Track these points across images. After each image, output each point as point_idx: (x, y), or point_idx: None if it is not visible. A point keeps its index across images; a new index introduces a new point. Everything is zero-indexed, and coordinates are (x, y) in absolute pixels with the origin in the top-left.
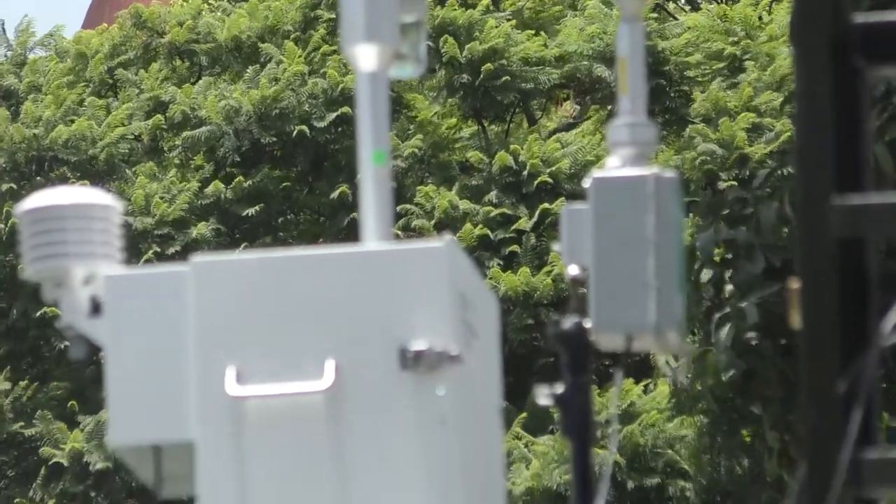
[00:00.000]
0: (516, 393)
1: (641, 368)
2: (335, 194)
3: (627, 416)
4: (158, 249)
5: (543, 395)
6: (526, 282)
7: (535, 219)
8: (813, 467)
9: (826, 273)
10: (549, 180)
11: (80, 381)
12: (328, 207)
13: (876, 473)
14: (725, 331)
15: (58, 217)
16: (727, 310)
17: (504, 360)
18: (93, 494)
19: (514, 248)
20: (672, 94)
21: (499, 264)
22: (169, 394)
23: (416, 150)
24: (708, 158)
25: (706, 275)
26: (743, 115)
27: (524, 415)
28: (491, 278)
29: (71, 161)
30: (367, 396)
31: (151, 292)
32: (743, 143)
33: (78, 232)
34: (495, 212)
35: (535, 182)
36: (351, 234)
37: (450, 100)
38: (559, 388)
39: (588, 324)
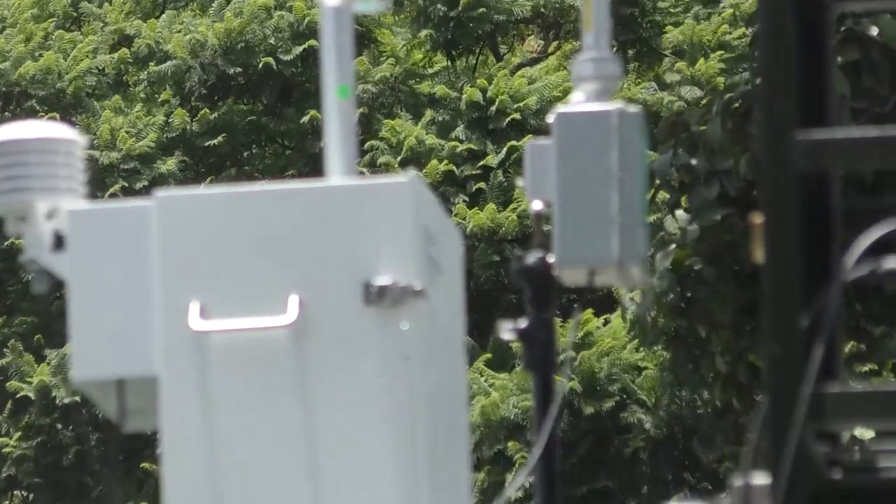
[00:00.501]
0: (482, 330)
1: (605, 303)
2: (305, 119)
3: (585, 346)
4: (126, 184)
5: (507, 330)
6: (492, 218)
7: (502, 155)
8: (775, 400)
9: (789, 207)
10: (518, 117)
11: (46, 315)
12: (297, 135)
13: (837, 407)
14: (669, 250)
15: (21, 151)
16: (672, 233)
17: (470, 297)
18: (59, 427)
19: (481, 184)
20: (644, 25)
21: (465, 201)
22: (132, 328)
23: (388, 76)
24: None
25: (661, 197)
26: (717, 53)
27: (489, 355)
28: (457, 214)
29: (39, 95)
30: (330, 331)
31: (115, 227)
32: (718, 82)
33: (41, 166)
34: (462, 147)
35: (505, 120)
36: (321, 162)
37: (422, 31)
38: (523, 323)
39: (551, 259)
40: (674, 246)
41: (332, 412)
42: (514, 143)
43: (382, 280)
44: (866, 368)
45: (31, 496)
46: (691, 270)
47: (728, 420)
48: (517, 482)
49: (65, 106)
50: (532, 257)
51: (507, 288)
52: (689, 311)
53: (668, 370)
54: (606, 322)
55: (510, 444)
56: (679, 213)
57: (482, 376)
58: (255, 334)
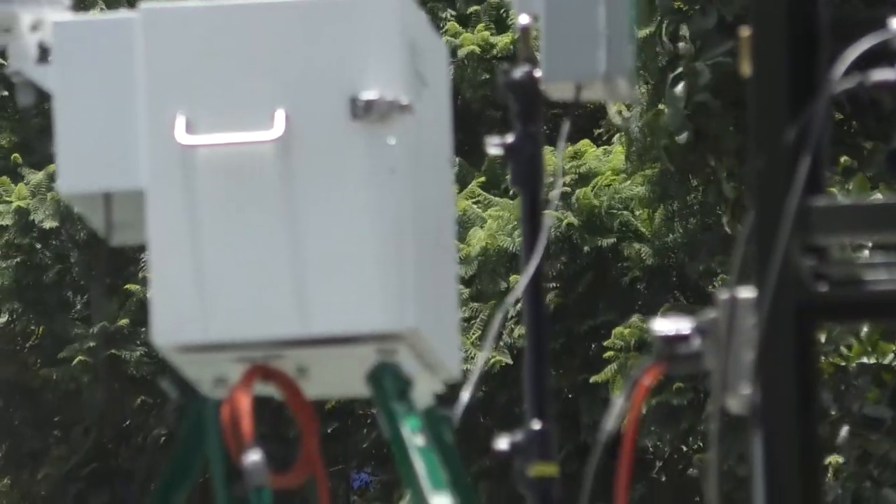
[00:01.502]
0: (473, 151)
1: (593, 119)
2: None
3: (583, 179)
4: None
5: (493, 145)
6: (483, 38)
7: None
8: (761, 214)
9: (776, 19)
10: None
11: (24, 133)
12: None
13: (823, 220)
14: (679, 90)
15: None
16: (680, 69)
17: (461, 118)
18: (38, 247)
19: (476, 8)
20: None
21: (452, 15)
22: (119, 142)
23: None
24: None
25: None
26: None
27: (482, 178)
28: (447, 32)
29: None
30: (317, 146)
31: (101, 40)
32: None
33: None
34: None
35: None
36: None
37: None
38: (509, 138)
39: (538, 73)
40: (682, 83)
41: (318, 226)
42: None
43: (369, 94)
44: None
45: (14, 315)
46: (701, 106)
47: (715, 233)
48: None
49: None
50: (519, 71)
51: (497, 105)
52: (700, 146)
53: (655, 184)
54: (605, 152)
55: (512, 277)
56: (682, 45)
57: (477, 204)
58: (241, 149)
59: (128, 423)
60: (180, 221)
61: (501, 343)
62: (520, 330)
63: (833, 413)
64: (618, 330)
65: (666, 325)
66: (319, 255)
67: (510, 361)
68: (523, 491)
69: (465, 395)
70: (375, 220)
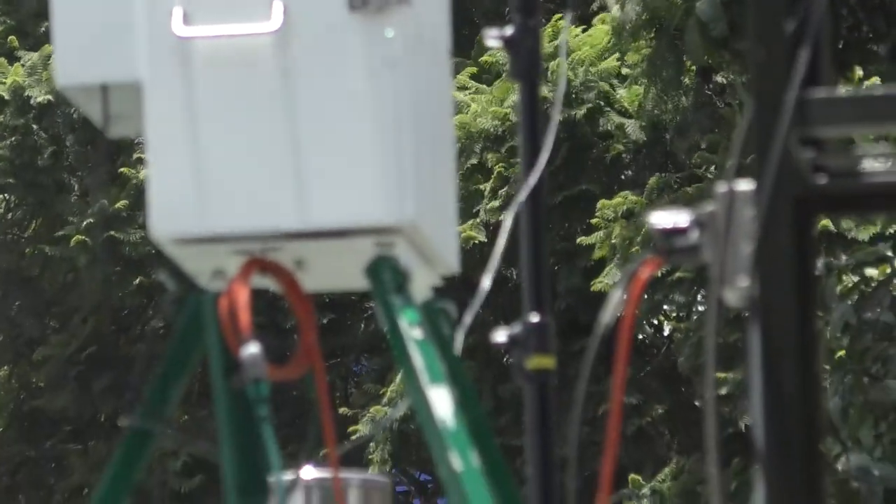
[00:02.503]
0: (468, 45)
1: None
2: None
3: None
4: None
5: (492, 37)
6: None
7: None
8: (760, 106)
9: None
10: None
11: (18, 16)
12: None
13: (822, 112)
14: None
15: None
16: None
17: (459, 8)
18: (34, 128)
19: None
20: None
21: None
22: (116, 33)
23: None
24: None
25: None
26: None
27: (475, 69)
28: None
29: None
30: (315, 38)
31: None
32: None
33: None
34: None
35: None
36: None
37: None
38: (508, 30)
39: None
40: None
41: (316, 118)
42: None
43: None
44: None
45: (12, 197)
46: None
47: (706, 111)
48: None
49: None
50: None
51: None
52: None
53: (646, 60)
54: (585, 30)
55: (489, 155)
56: None
57: (464, 91)
58: (239, 40)
59: (126, 311)
60: (177, 113)
61: (478, 220)
62: (493, 204)
63: (853, 323)
64: (603, 202)
65: (663, 218)
66: (317, 148)
67: (484, 239)
68: (521, 383)
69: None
70: (374, 113)
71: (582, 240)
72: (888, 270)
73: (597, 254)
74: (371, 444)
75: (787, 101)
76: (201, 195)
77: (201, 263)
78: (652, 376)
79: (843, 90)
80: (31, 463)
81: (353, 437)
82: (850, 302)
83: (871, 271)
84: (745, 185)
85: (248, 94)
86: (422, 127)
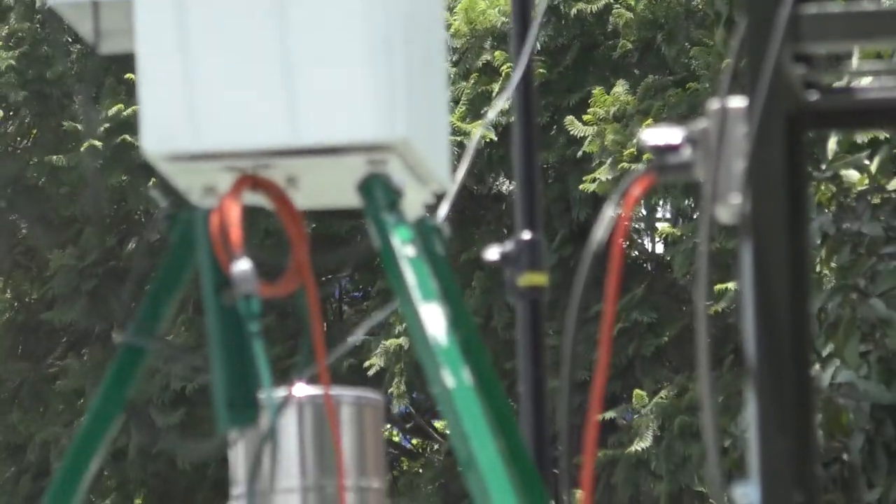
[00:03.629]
0: None
1: None
2: None
3: None
4: None
5: None
6: None
7: None
8: (753, 22)
9: None
10: None
11: None
12: None
13: (814, 28)
14: None
15: None
16: None
17: None
18: (42, 34)
19: None
20: None
21: None
22: None
23: None
24: None
25: None
26: None
27: None
28: None
29: None
30: None
31: None
32: None
33: None
34: None
35: None
36: None
37: None
38: None
39: None
40: None
41: (308, 35)
42: None
43: None
44: None
45: (22, 111)
46: None
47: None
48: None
49: None
50: None
51: None
52: None
53: None
54: None
55: (496, 53)
56: None
57: None
58: None
59: (137, 216)
60: (168, 29)
61: (487, 122)
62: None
63: (830, 233)
64: (596, 97)
65: (656, 136)
66: (310, 65)
67: (494, 138)
68: (513, 300)
69: (460, 173)
70: (365, 30)
71: (588, 148)
72: (866, 181)
73: (588, 148)
74: (387, 377)
75: (780, 18)
76: (193, 112)
77: (193, 180)
78: (665, 295)
79: (834, 6)
80: (29, 376)
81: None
82: (827, 212)
83: (849, 174)
84: (737, 102)
85: (240, 12)
86: (413, 44)
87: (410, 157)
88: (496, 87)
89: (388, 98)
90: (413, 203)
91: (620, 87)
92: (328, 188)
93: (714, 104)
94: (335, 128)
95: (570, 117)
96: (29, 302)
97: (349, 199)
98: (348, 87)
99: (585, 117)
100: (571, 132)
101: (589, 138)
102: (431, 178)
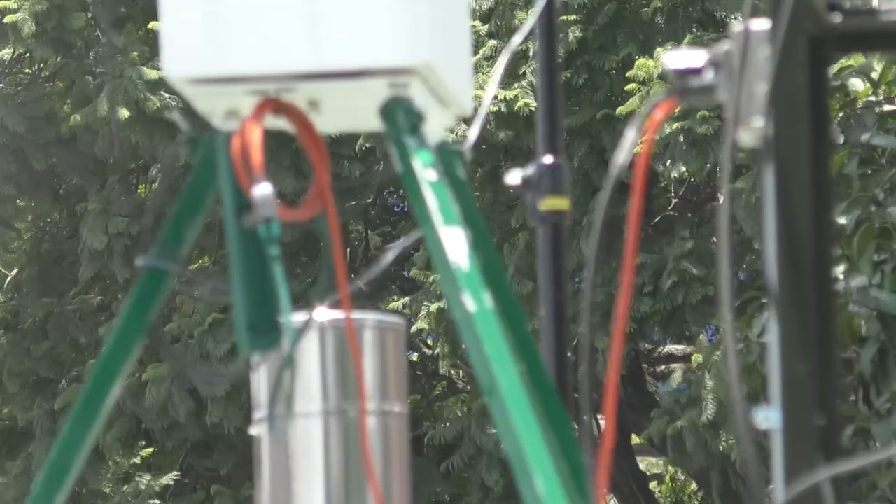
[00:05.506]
0: None
1: None
2: None
3: None
4: None
5: None
6: None
7: None
8: None
9: None
10: None
11: None
12: None
13: None
14: None
15: None
16: None
17: None
18: None
19: None
20: None
21: None
22: None
23: None
24: None
25: None
26: None
27: None
28: None
29: None
30: None
31: None
32: None
33: None
34: None
35: None
36: None
37: None
38: None
39: None
40: None
41: None
42: None
43: None
44: None
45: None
46: None
47: None
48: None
49: None
50: None
51: None
52: None
53: None
54: None
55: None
56: None
57: None
58: None
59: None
60: None
61: (526, 83)
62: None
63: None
64: (641, 62)
65: (678, 59)
66: None
67: (534, 103)
68: (534, 224)
69: (474, 131)
70: None
71: (620, 110)
72: (871, 91)
73: (627, 109)
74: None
75: None
76: (215, 35)
77: (215, 104)
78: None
79: None
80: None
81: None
82: (835, 123)
83: (854, 83)
84: (760, 25)
85: None
86: None
87: (433, 81)
88: (532, 46)
89: (410, 22)
90: (435, 127)
91: (659, 50)
92: (350, 112)
93: (737, 26)
94: (358, 51)
95: (619, 109)
96: (53, 232)
97: (371, 122)
98: (371, 9)
99: (628, 87)
100: (609, 94)
101: (630, 101)
102: (454, 101)
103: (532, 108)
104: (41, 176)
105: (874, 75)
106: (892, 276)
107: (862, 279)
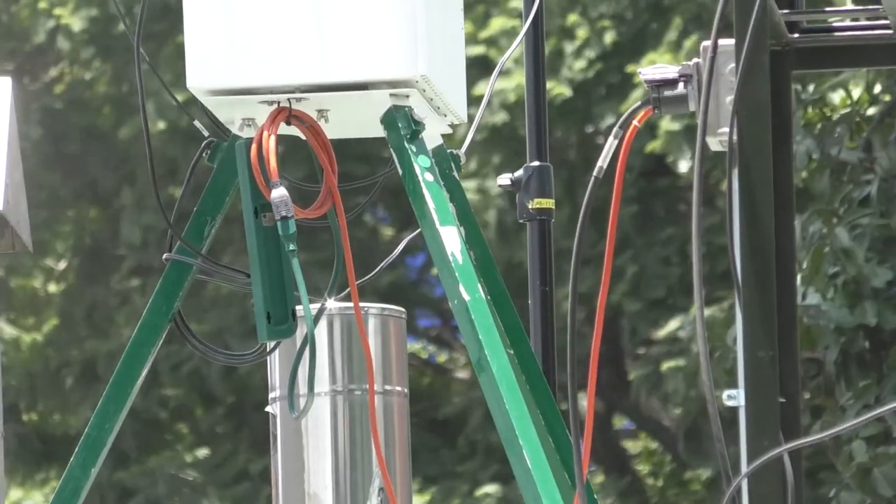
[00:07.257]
0: None
1: None
2: None
3: None
4: None
5: None
6: None
7: None
8: None
9: None
10: None
11: None
12: None
13: None
14: None
15: None
16: None
17: None
18: None
19: None
20: None
21: None
22: None
23: None
24: None
25: None
26: None
27: None
28: None
29: None
30: None
31: None
32: None
33: None
34: None
35: None
36: None
37: None
38: None
39: None
40: None
41: None
42: None
43: None
44: None
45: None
46: None
47: None
48: None
49: None
50: None
51: None
52: None
53: None
54: None
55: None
56: None
57: None
58: None
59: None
60: None
61: (563, 77)
62: (579, 64)
63: (814, 157)
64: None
65: (653, 72)
66: (340, 10)
67: (570, 93)
68: (524, 221)
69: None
70: None
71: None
72: (848, 102)
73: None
74: None
75: None
76: (233, 51)
77: (234, 113)
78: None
79: None
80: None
81: None
82: (814, 134)
83: (833, 97)
84: (726, 41)
85: None
86: None
87: (430, 92)
88: (573, 45)
89: (410, 38)
90: (433, 133)
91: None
92: (356, 120)
93: (706, 43)
94: (362, 65)
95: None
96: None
97: (374, 130)
98: (374, 28)
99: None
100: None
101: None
102: (449, 110)
103: (565, 97)
104: (80, 174)
105: (855, 91)
106: (843, 290)
107: (816, 296)
